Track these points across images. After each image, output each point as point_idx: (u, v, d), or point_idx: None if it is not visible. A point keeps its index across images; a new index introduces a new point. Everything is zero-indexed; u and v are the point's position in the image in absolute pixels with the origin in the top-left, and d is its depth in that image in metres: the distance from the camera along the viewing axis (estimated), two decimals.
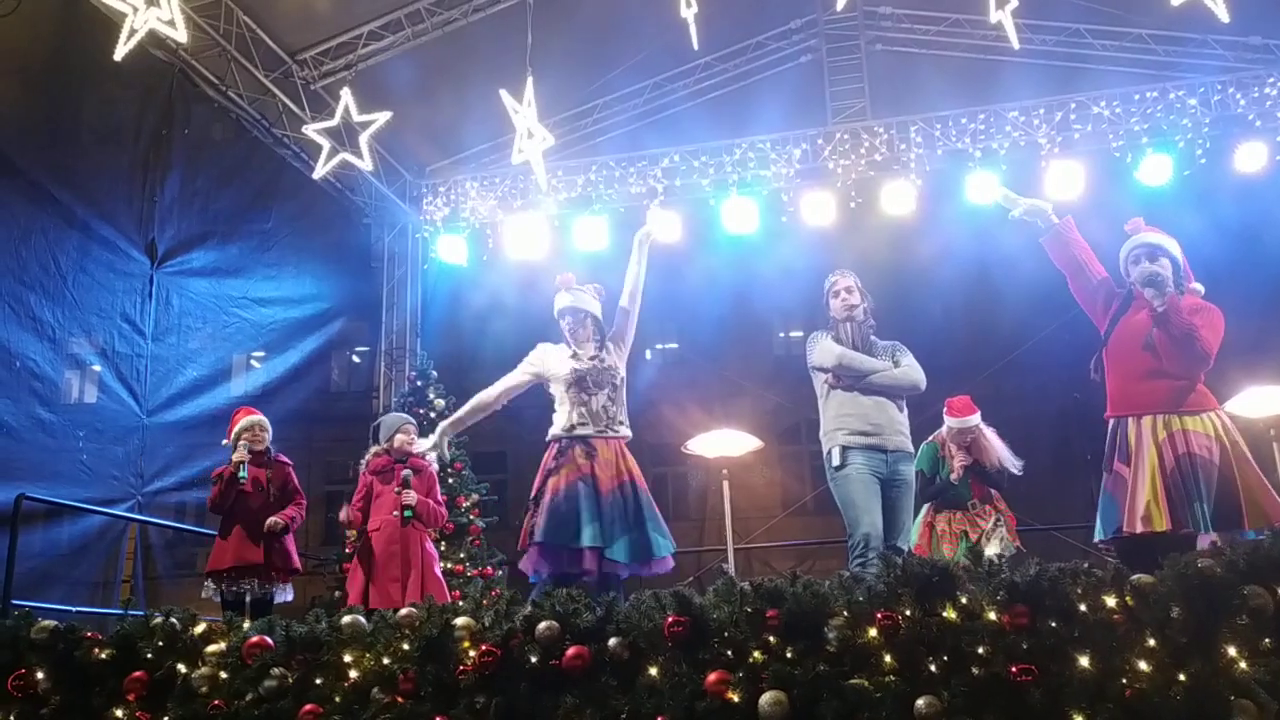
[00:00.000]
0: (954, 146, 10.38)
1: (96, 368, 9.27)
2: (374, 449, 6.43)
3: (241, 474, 6.03)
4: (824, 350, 5.43)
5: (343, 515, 6.44)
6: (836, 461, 5.23)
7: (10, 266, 8.19)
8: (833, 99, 11.01)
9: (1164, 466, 4.34)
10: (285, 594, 6.19)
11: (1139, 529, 4.30)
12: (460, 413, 5.60)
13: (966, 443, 6.68)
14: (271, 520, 6.03)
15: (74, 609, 7.13)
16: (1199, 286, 4.82)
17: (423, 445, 5.85)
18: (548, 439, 5.30)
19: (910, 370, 5.44)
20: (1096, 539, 4.64)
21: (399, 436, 6.35)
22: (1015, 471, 6.68)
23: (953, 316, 12.20)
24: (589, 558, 4.93)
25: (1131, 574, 3.25)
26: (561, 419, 5.26)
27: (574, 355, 5.33)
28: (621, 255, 10.70)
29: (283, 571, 6.12)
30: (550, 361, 5.38)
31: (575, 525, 4.94)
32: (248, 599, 5.99)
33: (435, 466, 6.59)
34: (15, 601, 6.10)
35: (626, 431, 5.32)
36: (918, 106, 10.64)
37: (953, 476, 6.64)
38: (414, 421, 6.66)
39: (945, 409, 6.74)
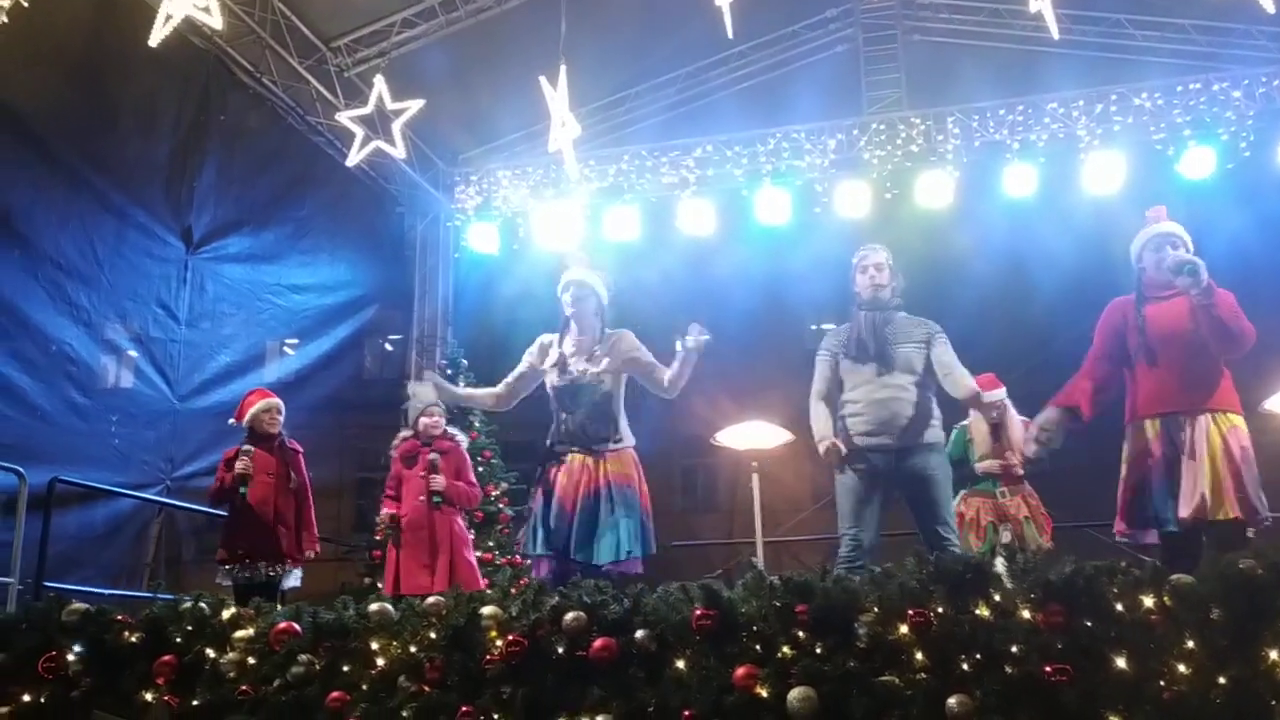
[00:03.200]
0: (991, 138, 10.26)
1: (131, 353, 9.36)
2: (402, 433, 6.40)
3: (242, 490, 6.02)
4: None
5: (380, 518, 6.23)
6: (837, 462, 5.08)
7: (49, 252, 8.27)
8: (869, 89, 10.89)
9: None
10: (293, 579, 6.16)
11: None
12: (470, 390, 5.48)
13: (994, 419, 6.67)
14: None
15: (105, 592, 7.19)
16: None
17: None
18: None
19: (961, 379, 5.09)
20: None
21: (423, 420, 6.29)
22: (1028, 454, 6.63)
23: (988, 311, 12.01)
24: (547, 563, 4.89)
25: (1171, 573, 3.19)
26: (551, 429, 5.17)
27: (558, 364, 5.11)
28: (652, 245, 10.80)
29: (292, 557, 6.10)
30: (543, 361, 5.21)
31: (542, 535, 4.91)
32: (257, 583, 5.96)
33: (465, 442, 6.56)
34: (47, 584, 6.17)
35: (615, 446, 5.03)
36: (955, 97, 10.51)
37: (979, 468, 6.63)
38: (440, 404, 6.49)
39: None
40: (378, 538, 6.29)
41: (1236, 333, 4.42)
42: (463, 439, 6.54)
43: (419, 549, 5.98)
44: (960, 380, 5.09)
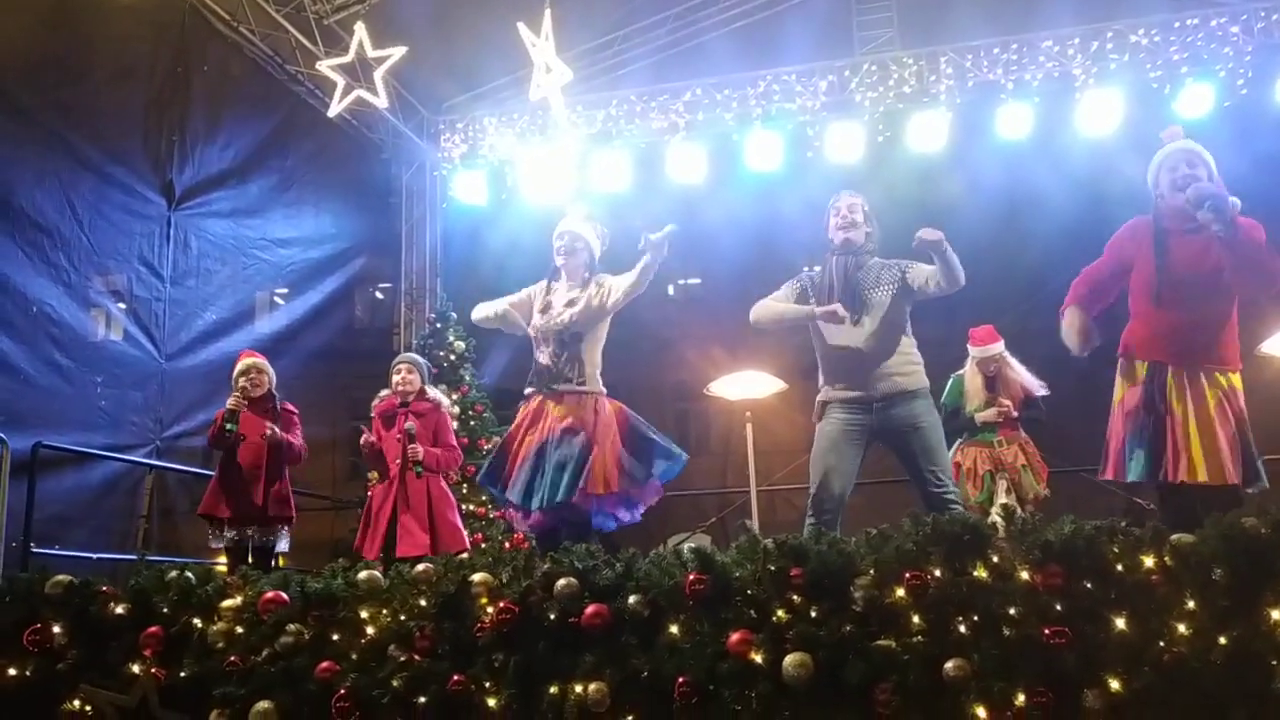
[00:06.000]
0: (985, 78, 10.07)
1: (114, 312, 9.19)
2: (383, 391, 6.23)
3: (230, 426, 5.81)
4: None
5: (364, 440, 6.11)
6: (816, 414, 5.00)
7: (26, 211, 8.06)
8: (860, 29, 10.66)
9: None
10: (282, 542, 6.07)
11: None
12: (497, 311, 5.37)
13: (991, 372, 6.66)
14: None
15: (95, 555, 7.11)
16: (1236, 201, 4.32)
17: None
18: None
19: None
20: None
21: (394, 378, 6.14)
22: (1042, 392, 6.61)
23: (981, 254, 11.82)
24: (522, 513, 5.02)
25: (1171, 533, 3.14)
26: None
27: (543, 310, 5.18)
28: (642, 193, 10.62)
29: (280, 520, 6.01)
30: (529, 303, 5.29)
31: (513, 480, 5.02)
32: (249, 546, 5.90)
33: (446, 404, 6.45)
34: (36, 550, 6.09)
35: (582, 386, 5.02)
36: (948, 36, 10.29)
37: (979, 418, 6.62)
38: (414, 360, 6.35)
39: (968, 340, 6.71)
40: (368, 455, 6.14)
41: (1272, 269, 4.12)
42: (443, 400, 6.41)
43: (402, 514, 5.82)
44: (930, 273, 4.93)
